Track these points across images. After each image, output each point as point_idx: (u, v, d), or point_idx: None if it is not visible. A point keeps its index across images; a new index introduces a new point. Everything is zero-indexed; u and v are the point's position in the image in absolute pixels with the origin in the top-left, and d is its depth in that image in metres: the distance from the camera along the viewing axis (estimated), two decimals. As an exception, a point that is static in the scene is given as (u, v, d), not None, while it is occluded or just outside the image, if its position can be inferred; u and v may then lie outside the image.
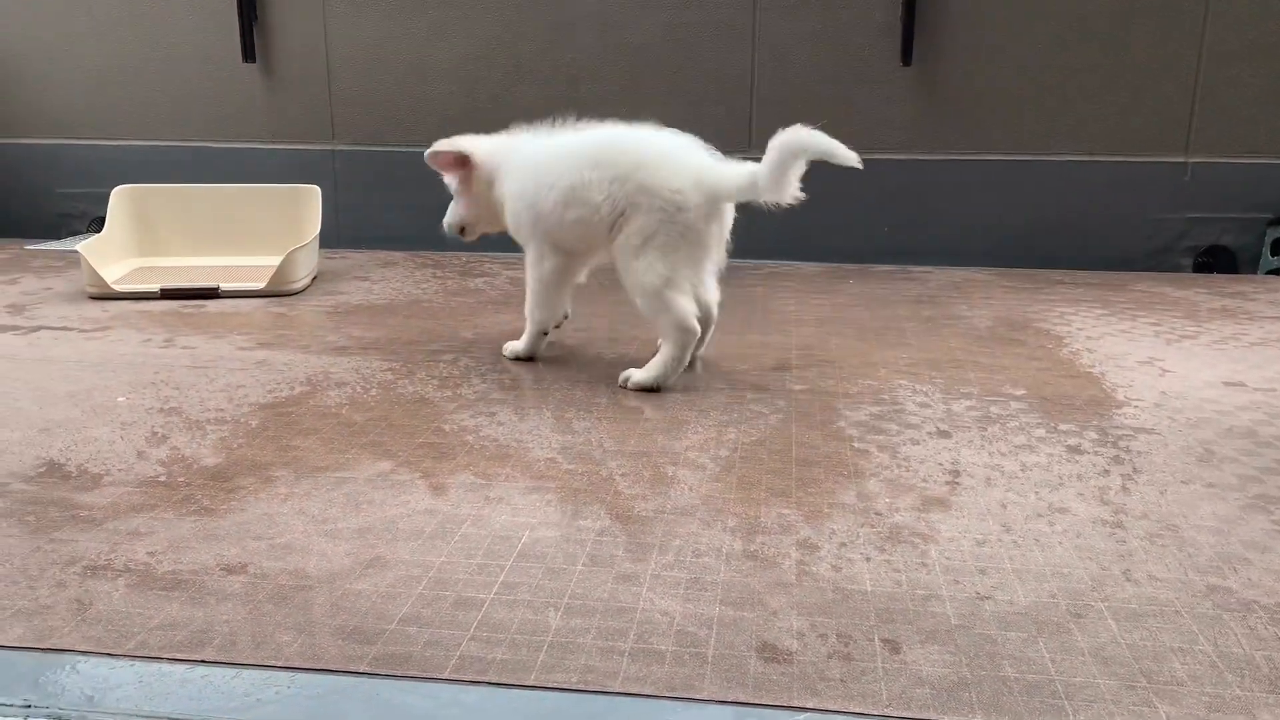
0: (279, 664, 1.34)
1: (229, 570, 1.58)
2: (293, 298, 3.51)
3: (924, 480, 1.95)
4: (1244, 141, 4.04)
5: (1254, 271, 4.15)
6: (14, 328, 3.07)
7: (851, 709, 1.24)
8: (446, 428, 2.23)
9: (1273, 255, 4.11)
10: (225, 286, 3.50)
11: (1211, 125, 4.03)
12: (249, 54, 4.47)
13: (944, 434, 2.20)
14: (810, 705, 1.24)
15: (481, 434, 2.19)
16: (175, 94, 4.59)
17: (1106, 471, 2.00)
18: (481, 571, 1.58)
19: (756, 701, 1.25)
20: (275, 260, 3.50)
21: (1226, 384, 2.58)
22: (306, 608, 1.47)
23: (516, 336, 2.78)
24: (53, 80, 4.68)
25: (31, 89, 4.68)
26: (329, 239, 4.18)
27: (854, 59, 4.15)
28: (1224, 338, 3.05)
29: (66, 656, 1.36)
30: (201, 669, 1.33)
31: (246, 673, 1.32)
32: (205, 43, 4.51)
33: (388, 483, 1.92)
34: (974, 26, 4.07)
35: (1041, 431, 2.22)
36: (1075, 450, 2.11)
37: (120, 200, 3.86)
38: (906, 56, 4.09)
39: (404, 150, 4.45)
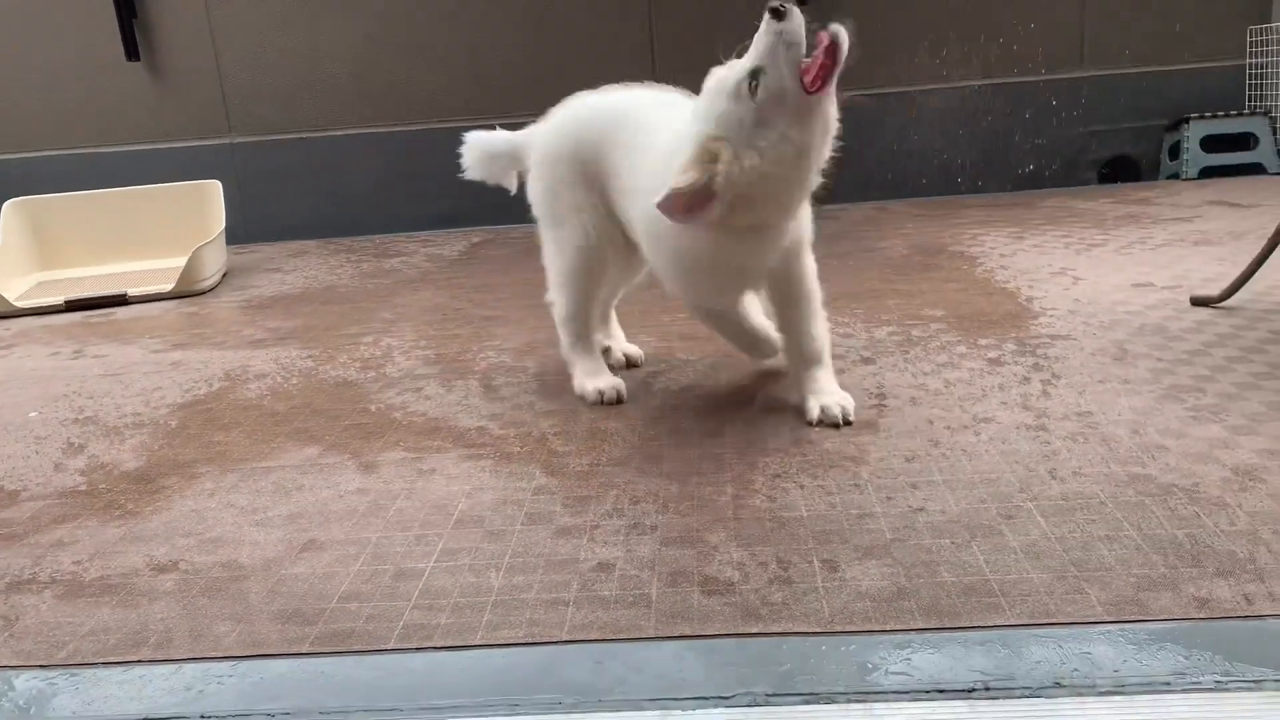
0: (219, 654, 1.31)
1: (159, 569, 1.55)
2: (204, 296, 3.42)
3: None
4: (1135, 52, 4.13)
5: (1155, 178, 4.26)
6: (-88, 355, 2.96)
7: (795, 629, 1.25)
8: (373, 408, 2.19)
9: (1171, 160, 4.22)
10: (133, 292, 3.40)
11: (1102, 39, 4.11)
12: (132, 52, 4.32)
13: (868, 360, 2.23)
14: (755, 630, 1.26)
15: (409, 410, 2.16)
16: (58, 100, 4.42)
17: (1027, 379, 2.04)
18: (419, 542, 1.57)
19: (702, 634, 1.26)
20: (182, 261, 3.40)
21: (1135, 286, 2.65)
22: (243, 597, 1.45)
23: (433, 311, 2.75)
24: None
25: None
26: (236, 234, 4.08)
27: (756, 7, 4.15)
28: (1130, 243, 3.13)
29: (-4, 674, 1.32)
30: (139, 669, 1.30)
31: (187, 667, 1.29)
32: (85, 44, 4.35)
33: (316, 467, 1.89)
34: (864, -40, 4.09)
35: (962, 349, 2.26)
36: (996, 363, 2.15)
37: (13, 214, 3.72)
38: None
39: (304, 137, 4.35)
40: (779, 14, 1.66)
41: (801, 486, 1.64)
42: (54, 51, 4.38)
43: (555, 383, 2.25)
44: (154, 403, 2.34)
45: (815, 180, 1.82)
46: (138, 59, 4.33)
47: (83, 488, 1.89)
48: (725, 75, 1.73)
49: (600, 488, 1.70)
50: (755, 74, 1.68)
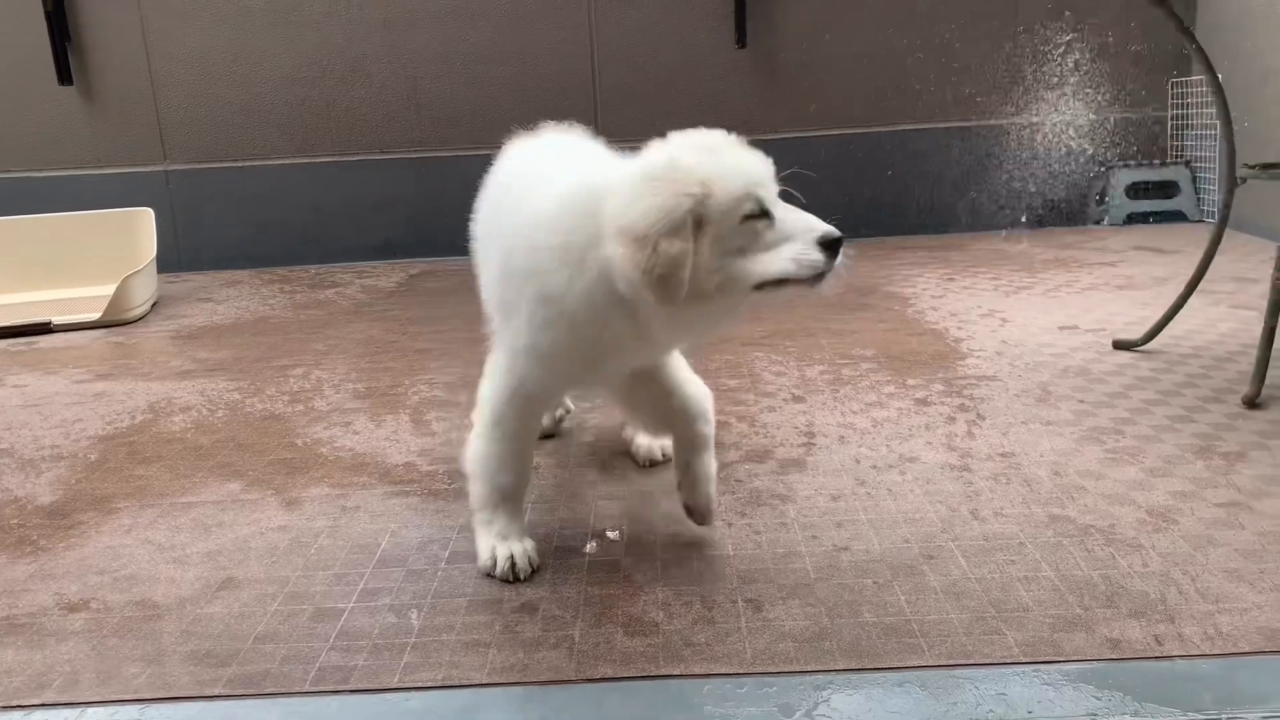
0: (127, 697, 1.27)
1: (70, 608, 1.50)
2: (132, 326, 3.35)
3: (781, 444, 1.98)
4: (1063, 100, 4.25)
5: (1083, 222, 4.37)
6: None
7: (717, 670, 1.25)
8: (299, 442, 2.16)
9: (1097, 205, 4.33)
10: (58, 320, 3.32)
11: (1033, 86, 4.23)
12: (65, 76, 4.25)
13: (799, 399, 2.25)
14: (676, 672, 1.25)
15: (336, 445, 2.13)
16: (-13, 122, 4.33)
17: (953, 419, 2.07)
18: (340, 581, 1.54)
19: (623, 675, 1.25)
20: (110, 289, 3.33)
21: (1061, 328, 2.71)
22: (155, 637, 1.41)
23: (367, 343, 2.72)
24: None
25: None
26: (169, 263, 4.01)
27: (691, 42, 4.20)
28: (1057, 285, 3.21)
29: (-111, 719, 1.27)
30: (40, 713, 1.26)
31: (91, 711, 1.25)
32: (15, 67, 4.26)
33: (238, 503, 1.85)
34: (803, 6, 4.17)
35: (891, 388, 2.29)
36: (923, 403, 2.18)
37: (-65, 239, 3.62)
38: (741, 38, 4.16)
39: (241, 165, 4.30)
40: (832, 248, 1.49)
41: (729, 525, 1.64)
42: (-17, 73, 4.29)
43: (487, 418, 2.24)
44: (74, 435, 2.28)
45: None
46: (70, 83, 4.26)
47: (-7, 523, 1.83)
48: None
49: (529, 525, 1.69)
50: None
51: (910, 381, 2.33)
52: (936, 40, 4.19)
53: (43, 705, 1.27)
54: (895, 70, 4.21)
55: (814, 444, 1.98)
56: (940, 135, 4.27)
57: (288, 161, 4.32)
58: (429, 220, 4.30)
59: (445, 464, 1.98)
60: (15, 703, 1.28)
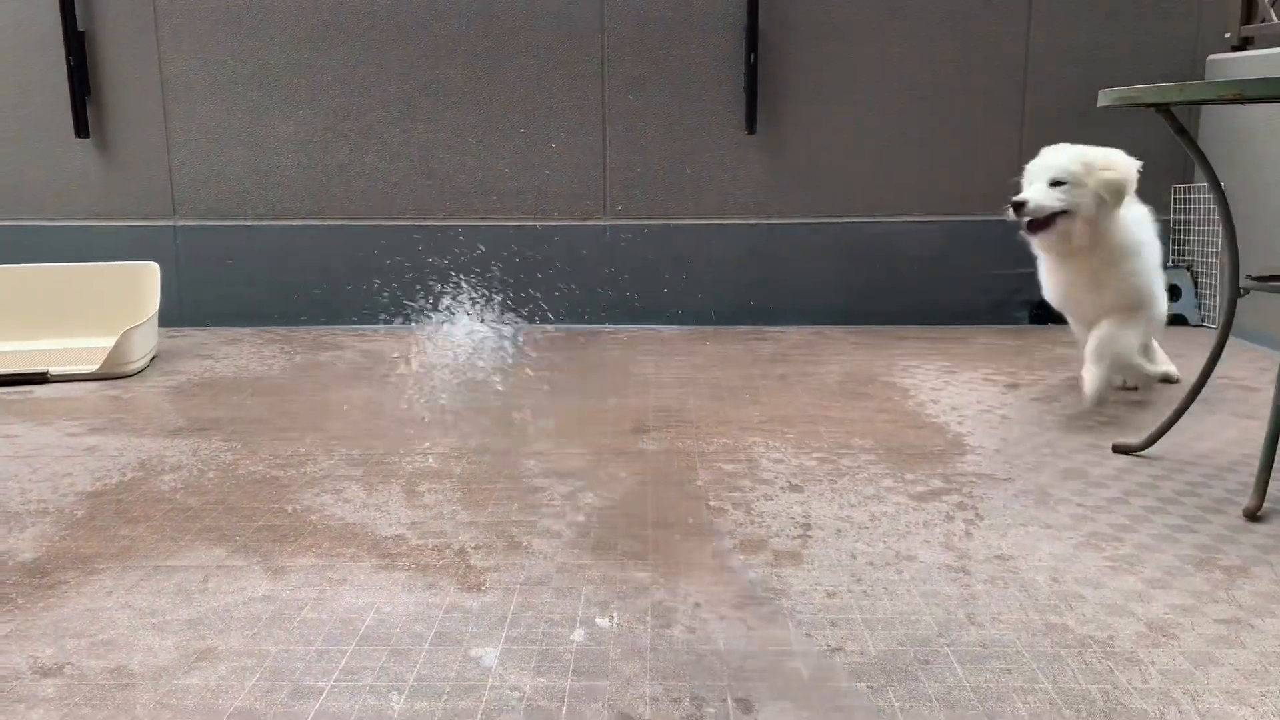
0: (92, 773, 1.23)
1: (43, 672, 1.46)
2: (129, 379, 3.34)
3: (777, 534, 1.96)
4: (1066, 200, 4.29)
5: (1083, 321, 4.38)
6: None
7: (704, 774, 1.21)
8: (289, 508, 2.13)
9: (1099, 305, 4.35)
10: (55, 370, 3.31)
11: (1036, 185, 4.27)
12: (82, 129, 4.30)
13: (796, 488, 2.23)
14: (662, 773, 1.22)
15: (326, 513, 2.10)
16: (4, 171, 4.37)
17: (951, 518, 2.05)
18: (321, 658, 1.50)
19: (607, 774, 1.22)
20: (110, 341, 3.33)
21: (1061, 428, 2.70)
22: (128, 708, 1.37)
23: (363, 409, 2.70)
24: None
25: None
26: (171, 317, 4.01)
27: (700, 127, 4.26)
28: (1058, 384, 3.20)
29: None
30: (3, 786, 1.21)
31: (55, 786, 1.21)
32: (34, 117, 4.32)
33: (222, 569, 1.82)
34: (813, 97, 4.24)
35: (889, 481, 2.27)
36: (921, 498, 2.16)
37: (-58, 283, 3.63)
38: (751, 124, 4.22)
39: (248, 224, 4.33)
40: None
41: (723, 618, 1.61)
42: (3, 122, 4.34)
43: (480, 491, 2.22)
44: (62, 489, 2.26)
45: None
46: (87, 136, 4.31)
47: (-29, 578, 1.79)
48: None
49: (517, 609, 1.66)
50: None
51: (909, 476, 2.31)
52: (942, 135, 4.25)
53: (6, 776, 1.23)
54: (900, 162, 4.27)
55: (810, 536, 1.95)
56: (943, 228, 4.31)
57: (295, 223, 4.35)
58: (433, 287, 4.32)
59: (435, 538, 1.96)
60: (-22, 772, 1.24)
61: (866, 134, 4.26)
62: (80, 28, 4.24)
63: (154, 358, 3.60)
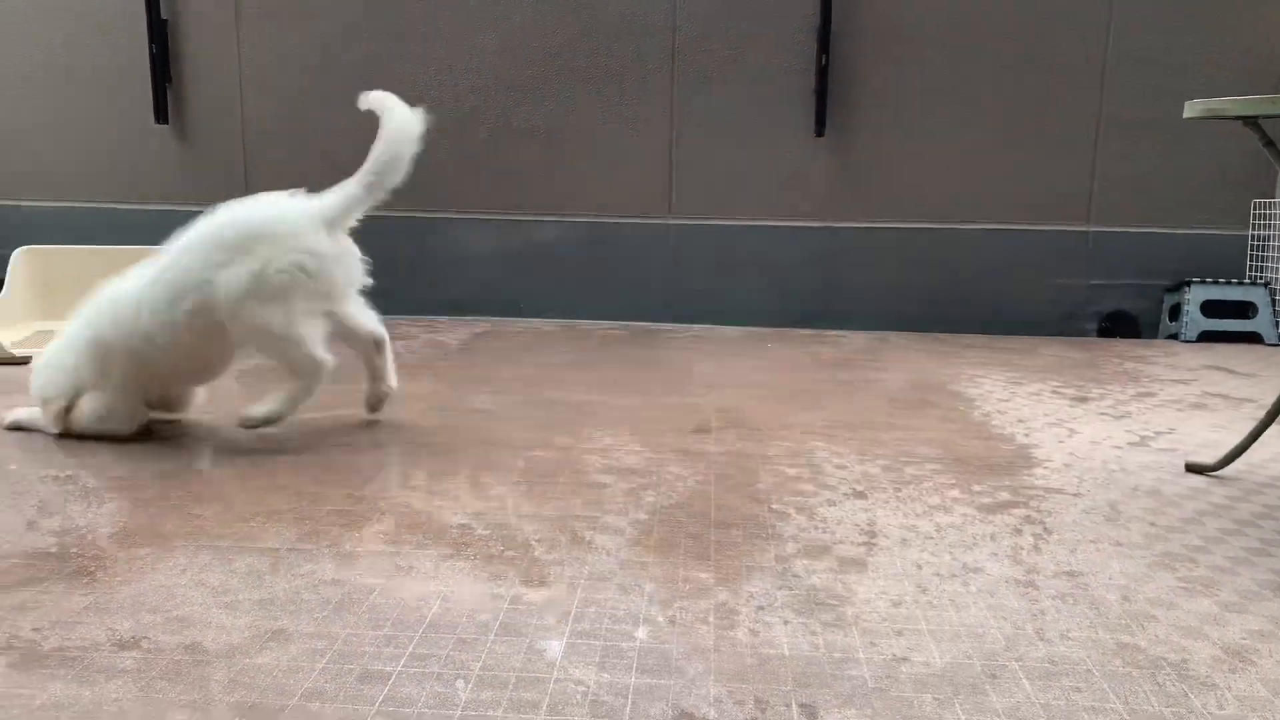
0: (170, 745, 1.26)
1: (121, 645, 1.50)
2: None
3: (841, 541, 1.95)
4: (1141, 212, 4.21)
5: (1154, 336, 4.30)
6: (-100, 393, 2.93)
7: (768, 777, 1.21)
8: (357, 494, 2.17)
9: (1171, 320, 4.27)
10: (130, 350, 3.38)
11: (1110, 196, 4.21)
12: (162, 115, 4.40)
13: (860, 495, 2.21)
14: (726, 775, 1.22)
15: (393, 501, 2.13)
16: (85, 154, 4.49)
17: (1019, 531, 2.02)
18: (389, 643, 1.53)
19: (672, 772, 1.22)
20: (184, 323, 3.40)
21: (1131, 445, 2.65)
22: (203, 684, 1.40)
23: (428, 399, 2.74)
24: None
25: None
26: (241, 302, 4.09)
27: (769, 128, 4.24)
28: (1128, 399, 3.14)
29: (-64, 743, 1.27)
30: (85, 753, 1.25)
31: (134, 756, 1.25)
32: (117, 103, 4.43)
33: (293, 552, 1.85)
34: (882, 102, 4.20)
35: (955, 492, 2.25)
36: (988, 510, 2.14)
37: (21, 262, 3.73)
38: (820, 127, 4.20)
39: (321, 213, 4.40)
40: None
41: (786, 622, 1.61)
42: (87, 107, 4.46)
43: (543, 485, 2.23)
44: (138, 466, 2.31)
45: None
46: (166, 122, 4.41)
47: (53, 550, 1.85)
48: None
49: (580, 604, 1.67)
50: None
51: (975, 487, 2.28)
52: (1014, 142, 4.19)
53: (87, 744, 1.26)
54: (970, 169, 4.21)
55: (875, 544, 1.94)
56: (1011, 237, 4.25)
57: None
58: (497, 281, 4.36)
59: (499, 530, 1.98)
60: (61, 739, 1.27)
61: (936, 140, 4.22)
62: (164, 16, 4.34)
63: (225, 341, 3.67)
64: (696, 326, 4.23)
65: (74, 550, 1.85)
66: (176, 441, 2.51)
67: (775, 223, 4.29)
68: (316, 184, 4.39)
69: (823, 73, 4.14)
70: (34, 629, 1.55)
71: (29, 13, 4.42)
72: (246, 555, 1.84)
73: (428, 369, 3.35)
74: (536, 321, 4.26)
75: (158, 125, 4.41)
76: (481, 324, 4.18)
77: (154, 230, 4.40)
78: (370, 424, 2.68)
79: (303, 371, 2.50)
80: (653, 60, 4.22)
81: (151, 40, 4.32)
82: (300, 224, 2.49)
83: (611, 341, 3.91)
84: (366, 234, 4.37)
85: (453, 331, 4.03)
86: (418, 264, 4.37)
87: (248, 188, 4.41)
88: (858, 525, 2.04)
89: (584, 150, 4.29)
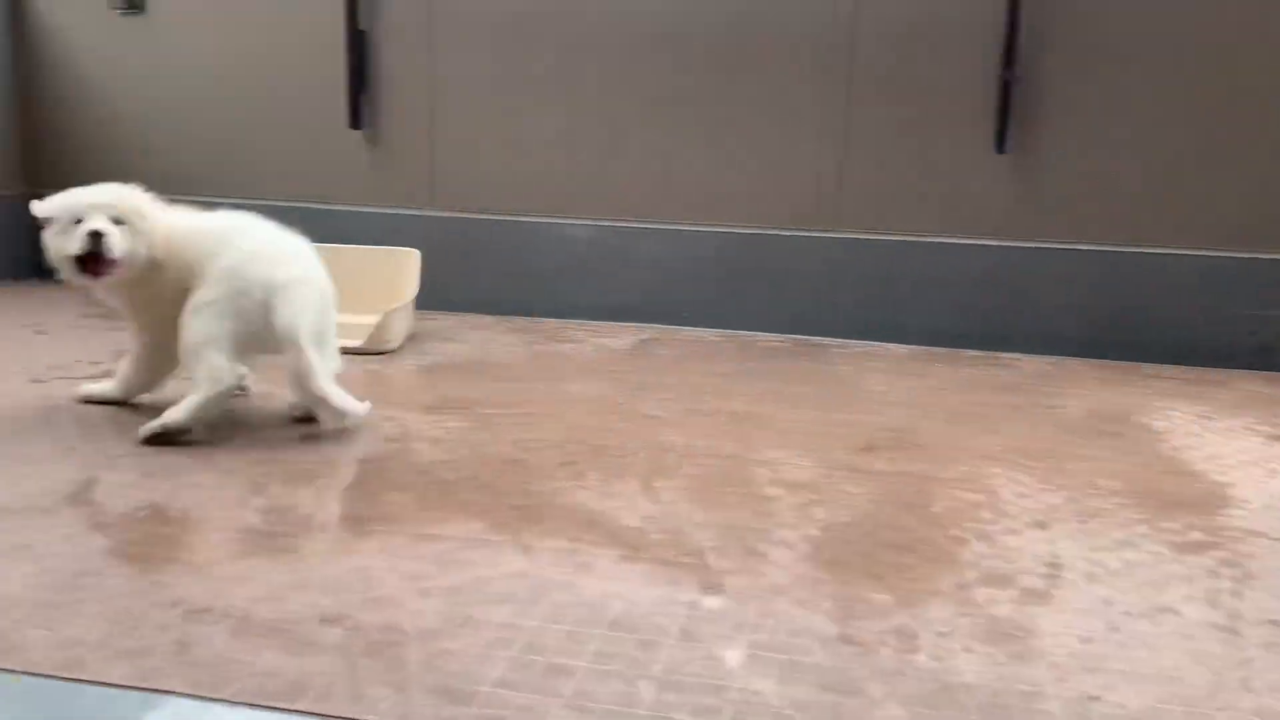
0: (374, 719, 1.34)
1: (325, 621, 1.60)
2: (386, 356, 3.58)
3: (1023, 571, 1.89)
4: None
5: (1362, 374, 4.00)
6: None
7: (957, 806, 1.20)
8: (535, 490, 2.24)
9: (1382, 358, 3.96)
10: (324, 342, 3.58)
11: (1318, 223, 3.94)
12: (356, 121, 4.64)
13: (1041, 525, 2.15)
14: (913, 799, 1.21)
15: (570, 499, 2.19)
16: (285, 156, 4.78)
17: (1215, 574, 1.92)
18: (572, 639, 1.57)
19: (857, 791, 1.22)
20: (371, 319, 3.58)
21: (1339, 489, 2.48)
22: (400, 664, 1.48)
23: (598, 402, 2.79)
24: (179, 143, 4.89)
25: (162, 152, 4.89)
26: (421, 300, 4.27)
27: (947, 143, 4.15)
28: (1333, 441, 2.94)
29: (168, 698, 1.38)
30: (298, 718, 1.34)
31: (342, 726, 1.33)
32: (315, 109, 4.69)
33: (479, 543, 1.93)
34: (1071, 116, 4.05)
35: (1144, 528, 2.15)
36: (1180, 549, 2.04)
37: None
38: (1000, 143, 4.08)
39: (496, 219, 4.56)
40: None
41: (969, 650, 1.58)
42: (288, 112, 4.74)
43: (713, 494, 2.25)
44: (332, 454, 2.45)
45: None
46: (360, 128, 4.65)
47: (261, 527, 1.98)
48: None
49: (757, 615, 1.68)
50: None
51: (1165, 524, 2.18)
52: (1214, 164, 3.97)
53: (300, 711, 1.35)
54: (1163, 190, 4.02)
55: (1060, 577, 1.88)
56: (1206, 262, 4.03)
57: (538, 220, 4.54)
58: (660, 288, 4.41)
59: (672, 535, 2.01)
60: (276, 704, 1.37)
61: (1127, 159, 4.04)
62: (361, 27, 4.58)
63: (409, 337, 3.84)
64: (861, 343, 4.17)
65: (280, 529, 1.97)
66: (367, 433, 2.65)
67: (948, 240, 4.19)
68: (498, 188, 4.55)
69: (1005, 87, 4.03)
70: (247, 600, 1.67)
71: (235, 27, 4.74)
72: (436, 543, 1.92)
73: (598, 372, 3.43)
74: (701, 330, 4.29)
75: (351, 131, 4.64)
76: (648, 331, 4.24)
77: (341, 229, 4.65)
78: (546, 421, 2.76)
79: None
80: (826, 73, 4.19)
81: (349, 50, 4.56)
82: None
83: (776, 354, 3.90)
84: (544, 240, 4.52)
85: (620, 337, 4.10)
86: (585, 269, 4.47)
87: (433, 193, 4.61)
88: (1040, 557, 1.98)
89: (752, 162, 4.30)
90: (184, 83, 4.85)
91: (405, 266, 3.95)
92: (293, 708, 1.36)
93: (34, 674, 1.43)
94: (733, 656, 1.53)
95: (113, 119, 4.95)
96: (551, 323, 4.34)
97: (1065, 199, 4.10)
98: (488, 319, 4.40)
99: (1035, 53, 4.04)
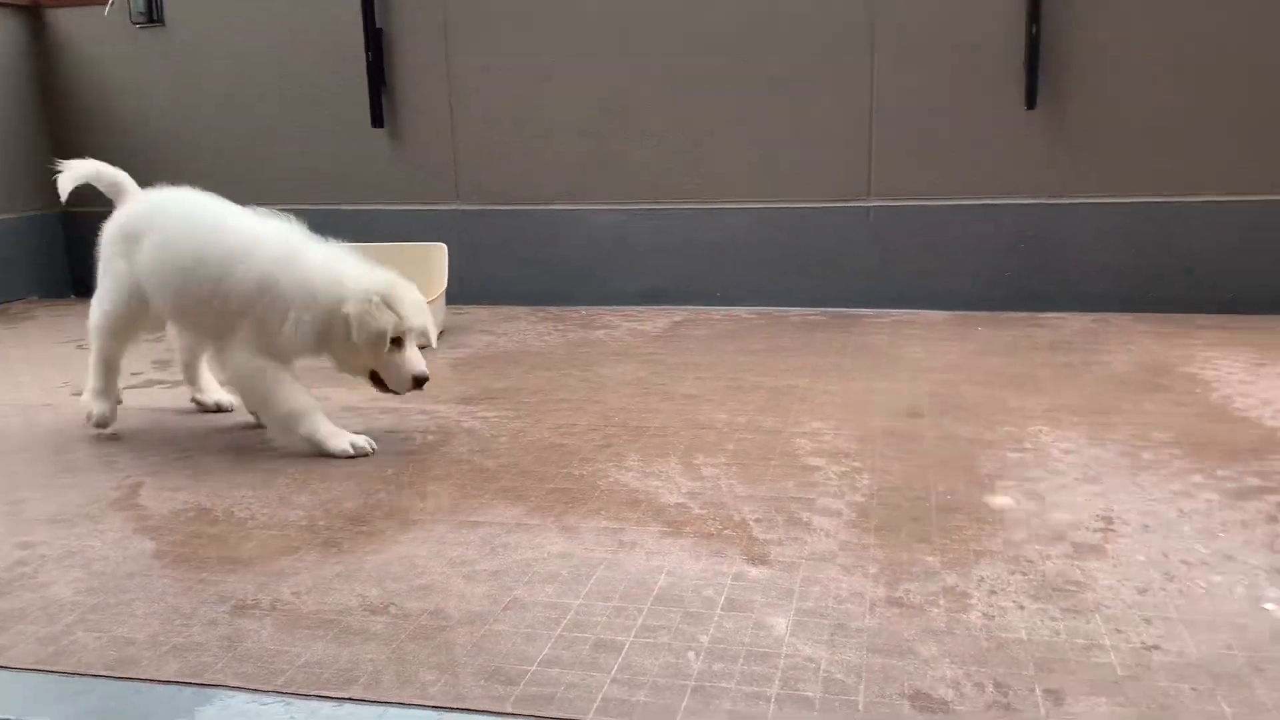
0: (424, 703, 1.33)
1: (371, 610, 1.60)
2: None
3: (1075, 527, 1.86)
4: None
5: None
6: (160, 382, 3.22)
7: (1017, 762, 1.17)
8: (575, 473, 2.23)
9: None
10: (357, 341, 3.59)
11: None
12: (377, 120, 4.65)
13: (1093, 479, 2.10)
14: (972, 756, 1.18)
15: (610, 479, 2.18)
16: (310, 158, 4.80)
17: (1274, 519, 1.87)
18: (619, 614, 1.56)
19: (914, 751, 1.19)
20: (404, 315, 3.58)
21: (1400, 428, 2.41)
22: (448, 648, 1.47)
23: (635, 384, 2.78)
24: (204, 150, 4.94)
25: (187, 159, 4.94)
26: (451, 294, 4.28)
27: (976, 103, 4.08)
28: (1392, 381, 2.86)
29: (219, 692, 1.39)
30: (349, 706, 1.34)
31: (392, 711, 1.33)
32: (336, 110, 4.71)
33: (521, 527, 1.92)
34: (1102, 66, 3.97)
35: (1198, 478, 2.10)
36: (1237, 496, 1.99)
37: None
38: (1031, 99, 4.01)
39: (523, 209, 4.55)
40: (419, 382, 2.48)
41: (1021, 607, 1.55)
42: (309, 113, 4.76)
43: (756, 467, 2.23)
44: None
45: None
46: (382, 126, 4.66)
47: (304, 522, 1.99)
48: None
49: (803, 582, 1.66)
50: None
51: (1220, 472, 2.13)
52: (1251, 107, 3.87)
53: (351, 699, 1.35)
54: (1199, 138, 3.92)
55: (1113, 530, 1.84)
56: (1249, 208, 3.93)
57: (565, 208, 4.53)
58: (692, 269, 4.38)
59: (716, 509, 1.99)
60: (326, 693, 1.37)
61: (1160, 107, 3.94)
62: (378, 25, 4.59)
63: (441, 332, 3.85)
64: (899, 311, 4.12)
65: (322, 523, 1.98)
66: (404, 426, 2.65)
67: (982, 201, 4.13)
68: (522, 178, 4.55)
69: (1034, 43, 3.95)
70: (293, 593, 1.67)
71: (253, 34, 4.76)
72: (479, 529, 1.92)
73: (632, 355, 3.41)
74: (734, 309, 4.26)
75: (373, 129, 4.66)
76: (680, 312, 4.22)
77: (367, 227, 4.67)
78: (584, 406, 2.75)
79: None
80: (850, 38, 4.13)
81: (368, 48, 4.57)
82: None
83: (812, 327, 3.86)
84: (571, 228, 4.51)
85: (653, 320, 4.08)
86: (614, 254, 4.45)
87: (457, 188, 4.62)
88: (1092, 511, 1.93)
89: (780, 136, 4.25)
90: (206, 91, 4.89)
91: (433, 261, 3.95)
92: (343, 695, 1.36)
93: (87, 674, 1.44)
94: (780, 624, 1.51)
95: (137, 129, 5.01)
96: (583, 310, 4.33)
97: (1099, 152, 4.02)
98: (519, 309, 4.40)
99: (1060, 4, 3.96)
